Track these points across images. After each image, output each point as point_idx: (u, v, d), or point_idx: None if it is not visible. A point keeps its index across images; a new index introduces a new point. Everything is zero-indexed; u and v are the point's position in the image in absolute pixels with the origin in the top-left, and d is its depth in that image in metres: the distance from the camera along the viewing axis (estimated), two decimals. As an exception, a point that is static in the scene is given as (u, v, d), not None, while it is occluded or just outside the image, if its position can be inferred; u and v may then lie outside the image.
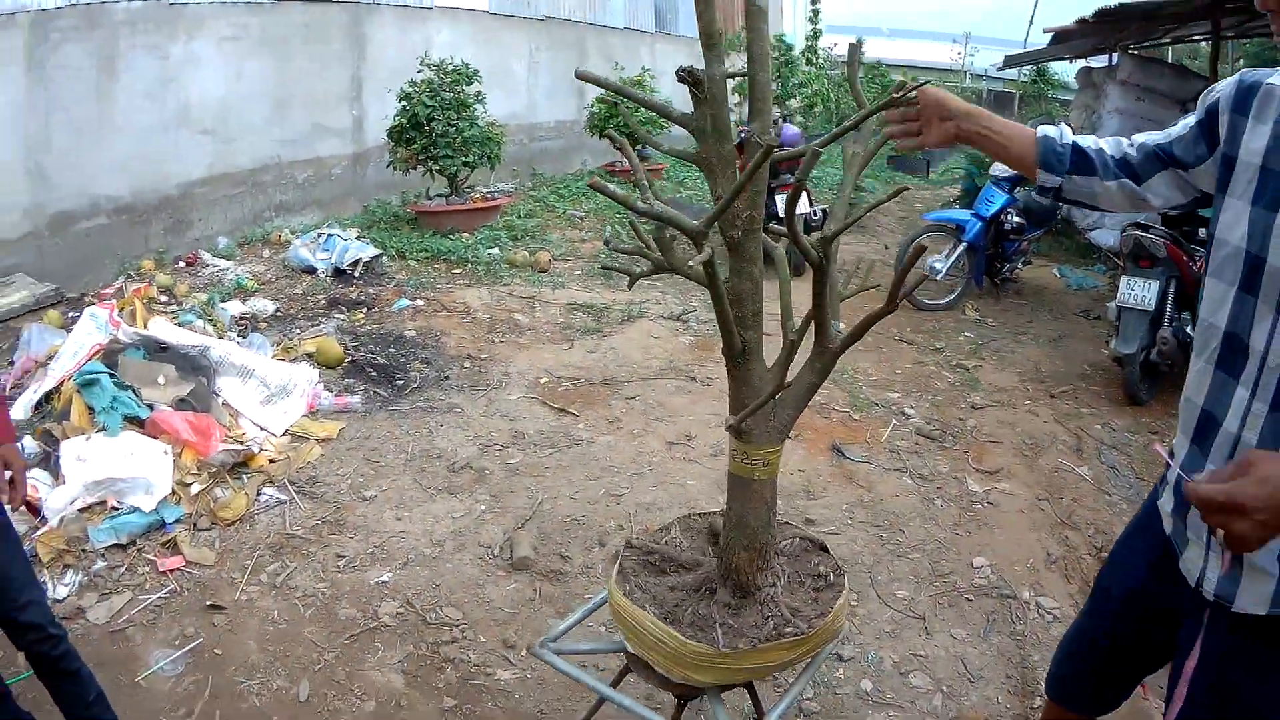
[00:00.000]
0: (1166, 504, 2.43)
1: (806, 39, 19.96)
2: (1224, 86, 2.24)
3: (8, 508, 3.35)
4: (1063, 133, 2.55)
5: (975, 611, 5.01)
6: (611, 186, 2.24)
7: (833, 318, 2.77)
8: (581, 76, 2.77)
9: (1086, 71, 15.90)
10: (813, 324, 2.73)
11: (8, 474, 3.30)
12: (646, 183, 2.41)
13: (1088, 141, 2.53)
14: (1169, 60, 19.41)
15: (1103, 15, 11.80)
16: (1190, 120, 2.33)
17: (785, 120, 13.38)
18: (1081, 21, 12.50)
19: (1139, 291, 7.67)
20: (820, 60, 20.86)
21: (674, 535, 3.41)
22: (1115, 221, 12.10)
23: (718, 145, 2.68)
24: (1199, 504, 1.78)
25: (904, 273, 2.36)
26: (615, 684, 3.32)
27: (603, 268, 3.35)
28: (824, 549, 3.30)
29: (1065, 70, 26.34)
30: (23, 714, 3.68)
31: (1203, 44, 16.81)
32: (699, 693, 3.01)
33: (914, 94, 2.56)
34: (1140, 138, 2.48)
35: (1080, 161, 2.51)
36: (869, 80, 21.58)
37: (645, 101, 2.86)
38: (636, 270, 2.65)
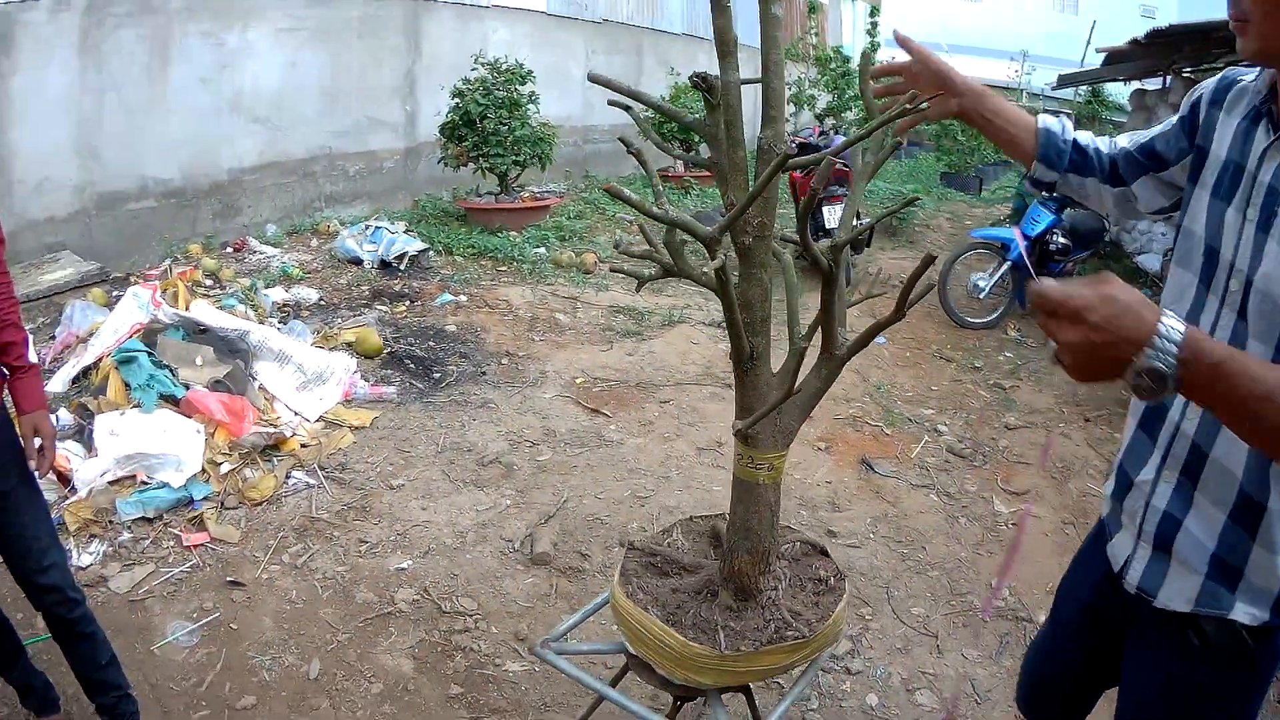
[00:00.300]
0: (1109, 487, 2.44)
1: (865, 51, 19.96)
2: (1208, 83, 2.30)
3: (36, 473, 3.44)
4: (1065, 127, 2.56)
5: (989, 633, 5.01)
6: (626, 191, 2.27)
7: (840, 325, 2.79)
8: (593, 79, 2.80)
9: (1140, 94, 15.80)
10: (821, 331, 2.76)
11: (37, 441, 3.40)
12: (660, 189, 2.44)
13: (1086, 139, 2.55)
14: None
15: (1155, 36, 11.74)
16: (1174, 118, 2.36)
17: (837, 132, 13.38)
18: (1134, 43, 12.39)
19: (1181, 317, 7.62)
20: (878, 73, 20.82)
21: (676, 538, 3.44)
22: (1162, 246, 12.01)
23: (730, 152, 2.70)
24: (1038, 303, 1.66)
25: (911, 282, 2.38)
26: (614, 683, 3.36)
27: (610, 270, 3.42)
28: (824, 553, 3.32)
29: (1120, 92, 26.17)
30: (38, 674, 3.78)
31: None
32: (698, 694, 3.03)
33: (925, 104, 2.57)
34: (1123, 140, 2.51)
35: (1080, 160, 2.53)
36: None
37: (657, 105, 2.88)
38: (645, 274, 2.68)
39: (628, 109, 2.84)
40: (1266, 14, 1.87)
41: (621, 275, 10.83)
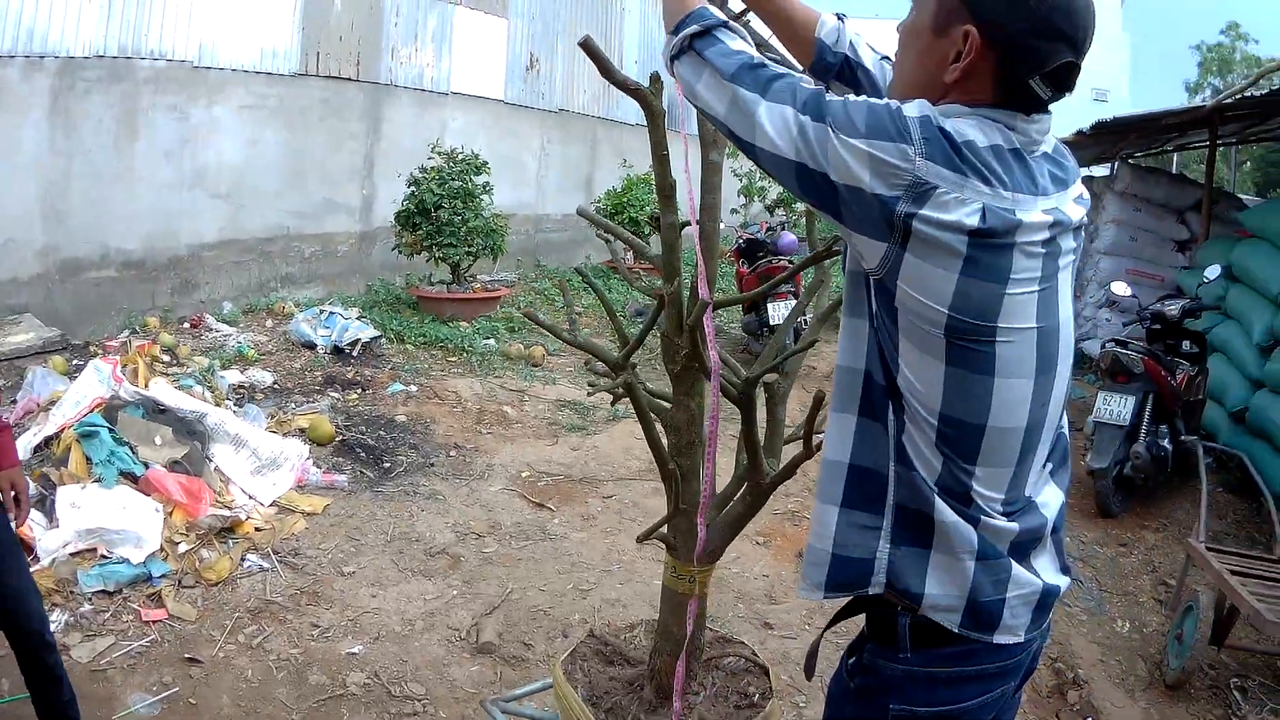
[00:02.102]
0: None
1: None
2: None
3: (13, 526, 3.72)
4: (839, 36, 2.65)
5: None
6: (541, 317, 2.57)
7: (772, 457, 3.03)
8: (581, 214, 3.09)
9: (1087, 180, 16.22)
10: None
11: (14, 494, 3.67)
12: (574, 317, 2.73)
13: (866, 56, 2.65)
14: (1173, 167, 19.61)
15: (1099, 128, 12.13)
16: None
17: (784, 227, 13.62)
18: (1080, 134, 12.76)
19: (1114, 407, 7.79)
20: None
21: (636, 634, 3.66)
22: (1107, 332, 12.24)
23: (669, 286, 2.96)
24: None
25: (810, 423, 2.60)
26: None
27: (589, 384, 3.70)
28: (766, 673, 3.44)
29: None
30: None
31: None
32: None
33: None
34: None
35: (849, 75, 2.65)
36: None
37: (625, 238, 3.18)
38: (617, 390, 2.94)
39: (608, 243, 3.13)
40: (895, 64, 2.19)
41: (570, 368, 11.16)
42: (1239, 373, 9.23)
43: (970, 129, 1.98)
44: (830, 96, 2.01)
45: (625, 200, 16.69)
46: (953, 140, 1.93)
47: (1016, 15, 2.00)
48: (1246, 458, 7.54)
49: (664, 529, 3.14)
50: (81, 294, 9.74)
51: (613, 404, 2.93)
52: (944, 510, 2.10)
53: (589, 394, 2.78)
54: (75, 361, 8.32)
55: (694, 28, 2.19)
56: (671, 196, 2.93)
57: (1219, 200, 13.36)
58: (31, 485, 6.03)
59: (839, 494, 2.19)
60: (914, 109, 1.96)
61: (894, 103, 1.98)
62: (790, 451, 2.84)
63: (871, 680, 2.23)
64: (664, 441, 3.06)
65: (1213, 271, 8.86)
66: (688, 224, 2.89)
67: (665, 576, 3.16)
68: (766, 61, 2.10)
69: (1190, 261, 12.89)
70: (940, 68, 2.10)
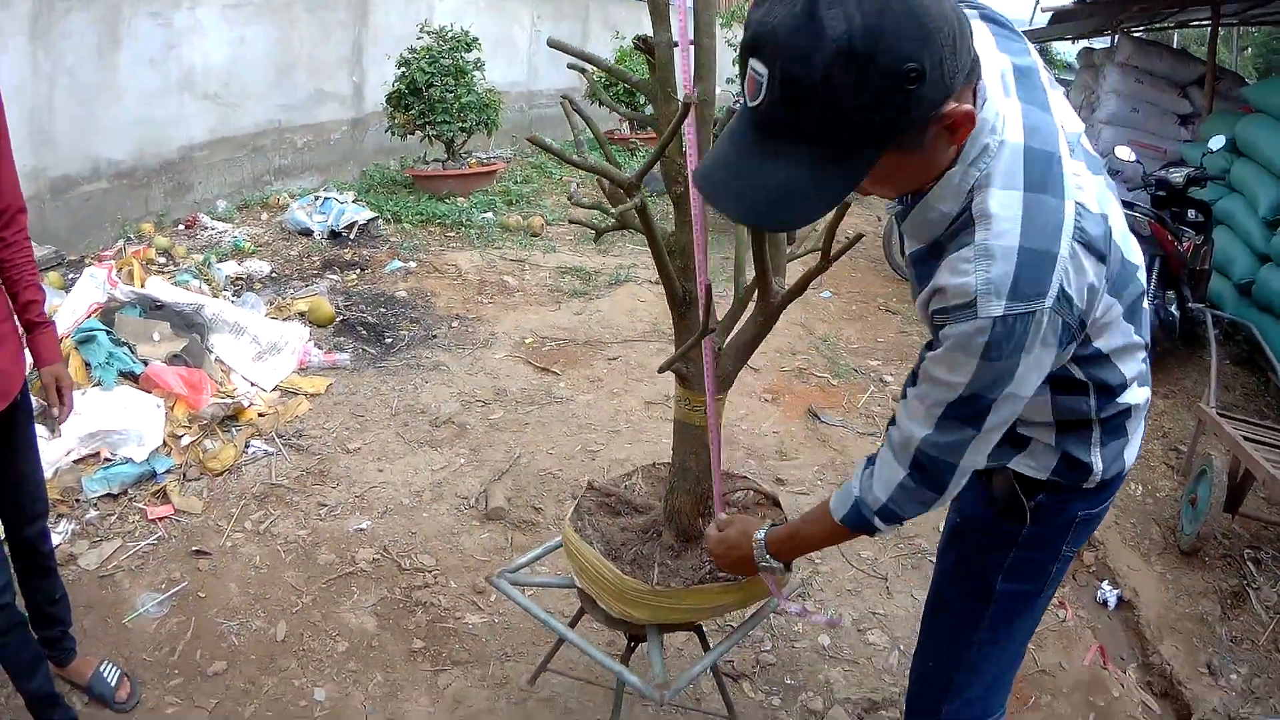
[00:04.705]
0: None
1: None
2: None
3: (58, 421, 3.81)
4: None
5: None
6: (547, 140, 2.41)
7: (777, 275, 2.91)
8: (552, 44, 2.94)
9: (1088, 52, 15.92)
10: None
11: (58, 389, 3.74)
12: (581, 140, 2.59)
13: None
14: (1174, 44, 19.35)
15: None
16: None
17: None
18: (1079, 2, 12.53)
19: (1121, 270, 7.73)
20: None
21: (635, 481, 3.54)
22: None
23: (665, 107, 2.81)
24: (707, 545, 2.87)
25: (830, 233, 2.49)
26: (572, 625, 3.49)
27: (569, 221, 3.64)
28: (776, 503, 3.38)
29: (1068, 51, 26.23)
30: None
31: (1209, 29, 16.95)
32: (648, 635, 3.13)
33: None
34: None
35: None
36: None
37: (606, 66, 3.01)
38: (602, 225, 2.81)
39: (582, 71, 2.98)
40: (882, 186, 1.90)
41: (570, 236, 11.05)
42: (1244, 245, 9.15)
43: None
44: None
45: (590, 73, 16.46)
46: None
47: (939, 52, 1.60)
48: (1255, 328, 7.54)
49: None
50: (75, 209, 9.56)
51: (596, 240, 2.75)
52: (1136, 393, 2.30)
53: (596, 226, 2.63)
54: (71, 276, 8.14)
55: (768, 552, 2.60)
56: (664, 15, 2.78)
57: (1222, 77, 13.20)
58: (33, 399, 5.98)
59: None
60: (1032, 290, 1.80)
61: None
62: (795, 272, 2.71)
63: (1054, 498, 2.41)
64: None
65: (1217, 142, 8.79)
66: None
67: (678, 411, 3.03)
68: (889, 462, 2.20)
69: (1193, 135, 12.77)
70: (942, 153, 1.85)
